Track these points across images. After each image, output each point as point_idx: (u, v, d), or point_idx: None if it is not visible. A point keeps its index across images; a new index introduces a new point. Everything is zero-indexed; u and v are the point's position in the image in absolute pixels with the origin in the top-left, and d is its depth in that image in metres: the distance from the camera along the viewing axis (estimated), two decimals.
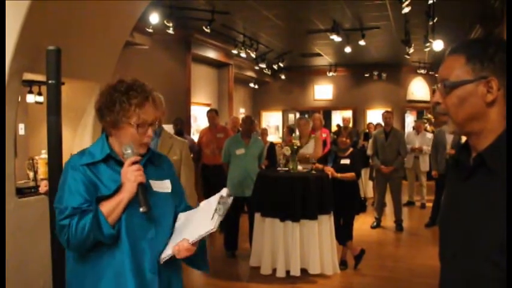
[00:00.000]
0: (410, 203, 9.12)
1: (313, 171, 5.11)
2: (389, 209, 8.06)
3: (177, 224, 1.83)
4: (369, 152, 7.39)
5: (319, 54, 11.89)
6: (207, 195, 6.72)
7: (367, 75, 13.47)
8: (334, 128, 12.05)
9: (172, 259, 1.73)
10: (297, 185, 4.78)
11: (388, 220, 7.57)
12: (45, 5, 3.11)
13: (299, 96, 14.55)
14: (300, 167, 5.26)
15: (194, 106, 9.76)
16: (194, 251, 1.72)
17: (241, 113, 12.82)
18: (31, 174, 3.97)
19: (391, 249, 6.36)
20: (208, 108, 8.01)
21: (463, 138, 1.31)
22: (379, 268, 5.31)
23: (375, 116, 12.60)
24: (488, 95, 1.12)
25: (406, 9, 6.48)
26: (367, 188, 9.29)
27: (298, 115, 13.69)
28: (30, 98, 4.53)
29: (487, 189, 1.09)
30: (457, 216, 1.19)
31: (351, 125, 12.27)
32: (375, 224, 7.23)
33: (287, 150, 5.24)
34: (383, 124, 7.29)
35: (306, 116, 11.01)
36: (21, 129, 4.53)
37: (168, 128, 6.03)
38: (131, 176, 1.67)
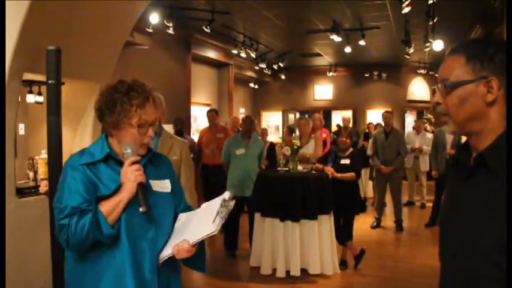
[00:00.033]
0: (410, 203, 9.12)
1: (313, 171, 5.11)
2: (389, 209, 8.06)
3: (177, 225, 1.83)
4: (369, 152, 7.39)
5: (319, 54, 11.90)
6: (207, 195, 6.74)
7: (367, 75, 13.47)
8: (334, 128, 12.06)
9: (171, 259, 1.73)
10: (297, 185, 4.78)
11: (388, 220, 7.57)
12: (45, 5, 3.11)
13: (299, 96, 14.55)
14: (300, 167, 5.26)
15: (194, 106, 9.76)
16: (194, 252, 1.72)
17: (241, 113, 12.82)
18: (31, 174, 3.97)
19: (391, 249, 6.36)
20: (208, 108, 8.01)
21: (463, 138, 1.31)
22: (379, 268, 5.31)
23: (375, 116, 12.60)
24: (489, 95, 1.12)
25: (406, 9, 6.48)
26: (367, 188, 9.29)
27: (298, 115, 13.69)
28: (30, 98, 4.53)
29: (487, 189, 1.09)
30: (457, 216, 1.19)
31: (351, 125, 12.27)
32: (374, 224, 7.23)
33: (287, 150, 5.24)
34: (383, 124, 7.29)
35: (306, 116, 11.01)
36: (21, 129, 4.53)
37: (168, 128, 6.03)
38: (131, 175, 1.67)
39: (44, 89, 4.07)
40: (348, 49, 9.65)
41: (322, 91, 14.37)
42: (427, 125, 10.75)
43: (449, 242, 1.22)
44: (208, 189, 6.87)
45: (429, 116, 11.83)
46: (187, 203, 2.00)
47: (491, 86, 1.12)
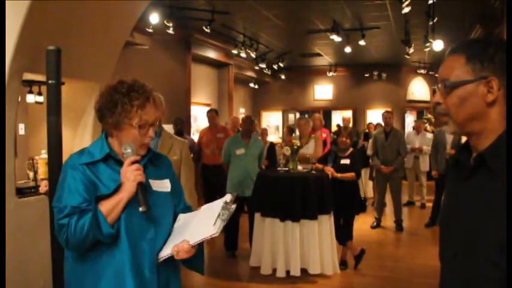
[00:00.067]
0: (410, 203, 9.12)
1: (313, 171, 5.11)
2: (389, 209, 8.06)
3: (177, 225, 1.83)
4: (369, 152, 7.39)
5: (319, 54, 11.90)
6: (207, 195, 6.73)
7: (367, 75, 13.47)
8: (334, 128, 12.06)
9: (171, 259, 1.73)
10: (297, 185, 4.78)
11: (388, 220, 7.57)
12: (45, 5, 3.11)
13: (299, 96, 14.55)
14: (300, 167, 5.26)
15: (194, 106, 9.76)
16: (193, 253, 1.72)
17: (241, 113, 12.82)
18: (31, 174, 3.97)
19: (391, 249, 6.36)
20: (208, 108, 8.02)
21: (463, 138, 1.31)
22: (379, 268, 5.31)
23: (375, 116, 12.60)
24: (489, 95, 1.12)
25: (406, 9, 6.48)
26: (367, 188, 9.29)
27: (298, 115, 13.69)
28: (30, 98, 4.53)
29: (488, 189, 1.09)
30: (457, 216, 1.19)
31: (351, 125, 12.27)
32: (374, 224, 7.23)
33: (287, 150, 5.24)
34: (383, 124, 7.29)
35: (306, 116, 11.01)
36: (21, 129, 4.53)
37: (168, 128, 6.03)
38: (131, 175, 1.67)
39: (44, 89, 4.07)
40: (348, 49, 9.65)
41: (322, 91, 14.37)
42: (427, 125, 10.75)
43: (450, 242, 1.22)
44: (208, 189, 6.88)
45: (429, 116, 11.83)
46: (187, 203, 2.00)
47: (492, 86, 1.12)
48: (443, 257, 1.26)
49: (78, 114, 4.06)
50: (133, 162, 1.70)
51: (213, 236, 1.65)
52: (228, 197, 1.71)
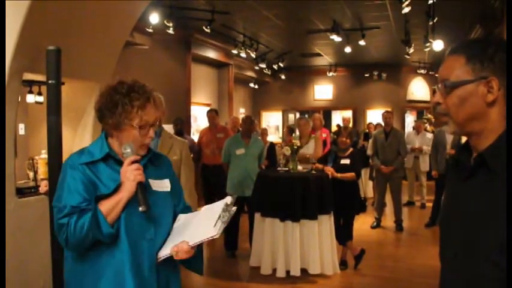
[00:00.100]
0: (410, 203, 9.12)
1: (313, 171, 5.11)
2: (389, 209, 8.06)
3: (176, 225, 1.83)
4: (369, 152, 7.39)
5: (319, 54, 11.89)
6: (207, 195, 6.73)
7: (367, 75, 13.47)
8: (334, 128, 12.05)
9: (170, 259, 1.73)
10: (297, 185, 4.78)
11: (388, 220, 7.57)
12: (45, 5, 3.11)
13: (299, 96, 14.55)
14: (300, 167, 5.26)
15: (194, 106, 9.76)
16: (193, 254, 1.72)
17: (241, 113, 12.82)
18: (31, 174, 3.97)
19: (391, 249, 6.36)
20: (208, 108, 8.02)
21: (463, 139, 1.31)
22: (379, 268, 5.31)
23: (375, 116, 12.60)
24: (489, 95, 1.12)
25: (406, 9, 6.48)
26: (367, 188, 9.29)
27: (298, 115, 13.69)
28: (30, 98, 4.53)
29: (488, 190, 1.09)
30: (457, 216, 1.19)
31: (351, 125, 12.27)
32: (374, 224, 7.23)
33: (287, 150, 5.24)
34: (383, 124, 7.29)
35: (306, 116, 11.01)
36: (21, 129, 4.53)
37: (168, 128, 6.04)
38: (130, 175, 1.67)
39: (44, 89, 4.07)
40: (348, 49, 9.65)
41: (322, 91, 14.37)
42: (427, 125, 10.75)
43: (450, 242, 1.22)
44: (208, 189, 6.88)
45: (429, 116, 11.83)
46: (187, 203, 2.00)
47: (492, 86, 1.12)
48: (444, 257, 1.26)
49: (78, 114, 4.06)
50: (133, 162, 1.70)
51: (213, 237, 1.65)
52: (228, 199, 1.71)
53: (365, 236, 6.45)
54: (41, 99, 4.49)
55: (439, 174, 6.93)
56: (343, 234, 5.11)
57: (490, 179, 1.09)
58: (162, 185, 1.84)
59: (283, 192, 4.79)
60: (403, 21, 7.87)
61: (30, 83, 4.24)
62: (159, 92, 1.94)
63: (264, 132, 8.78)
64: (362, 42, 8.92)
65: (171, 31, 7.31)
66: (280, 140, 10.67)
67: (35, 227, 3.32)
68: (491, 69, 1.12)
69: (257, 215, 5.10)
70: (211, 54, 10.10)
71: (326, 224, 4.89)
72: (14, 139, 3.27)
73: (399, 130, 7.82)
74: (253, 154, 5.69)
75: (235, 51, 9.81)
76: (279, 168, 5.35)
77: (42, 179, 3.68)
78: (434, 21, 7.03)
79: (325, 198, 4.85)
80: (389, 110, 8.98)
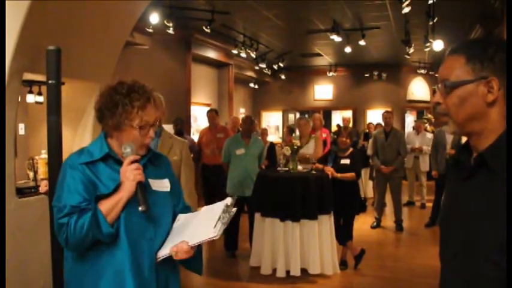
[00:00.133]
0: (410, 203, 9.12)
1: (313, 171, 5.11)
2: (389, 209, 8.06)
3: (176, 225, 1.83)
4: (369, 152, 7.39)
5: (319, 54, 11.89)
6: (207, 195, 6.72)
7: (367, 75, 13.47)
8: (334, 128, 12.05)
9: (170, 258, 1.73)
10: (297, 185, 4.78)
11: (388, 220, 7.57)
12: (45, 5, 3.11)
13: (299, 96, 14.55)
14: (300, 167, 5.26)
15: (194, 106, 9.76)
16: (192, 254, 1.72)
17: (241, 113, 12.82)
18: (31, 174, 3.97)
19: (391, 249, 6.36)
20: (208, 108, 8.01)
21: (463, 139, 1.31)
22: (379, 268, 5.31)
23: (375, 116, 12.60)
24: (489, 95, 1.12)
25: (406, 9, 6.48)
26: (367, 188, 9.29)
27: (298, 115, 13.69)
28: (30, 98, 4.53)
29: (488, 190, 1.09)
30: (457, 216, 1.19)
31: (351, 125, 12.27)
32: (375, 224, 7.23)
33: (287, 150, 5.24)
34: (383, 124, 7.29)
35: (306, 116, 11.02)
36: (21, 129, 4.53)
37: (168, 128, 6.04)
38: (130, 174, 1.67)
39: (44, 89, 4.07)
40: (348, 49, 9.65)
41: (322, 91, 14.37)
42: (427, 125, 10.75)
43: (450, 242, 1.22)
44: (208, 189, 6.88)
45: (429, 116, 11.83)
46: (186, 203, 2.00)
47: (492, 86, 1.12)
48: (444, 257, 1.26)
49: (78, 114, 4.06)
50: (132, 162, 1.70)
51: (213, 238, 1.65)
52: (228, 200, 1.71)
53: (365, 236, 6.45)
54: (41, 99, 4.49)
55: (439, 174, 6.93)
56: (343, 234, 5.11)
57: (490, 179, 1.09)
58: (162, 185, 1.84)
59: (283, 192, 4.79)
60: (403, 21, 7.87)
61: (30, 83, 4.24)
62: (159, 92, 1.94)
63: (264, 132, 8.78)
64: (362, 42, 8.92)
65: (171, 31, 7.31)
66: (280, 140, 10.67)
67: (35, 227, 3.32)
68: (491, 69, 1.12)
69: (257, 215, 5.10)
70: (211, 54, 10.10)
71: (326, 224, 4.89)
72: (14, 139, 3.27)
73: (399, 130, 7.83)
74: (253, 154, 5.69)
75: (235, 51, 9.81)
76: (279, 168, 5.35)
77: (42, 179, 3.68)
78: (434, 21, 7.03)
79: (325, 198, 4.85)
80: (389, 110, 8.99)
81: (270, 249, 4.88)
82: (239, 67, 11.79)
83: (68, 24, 3.45)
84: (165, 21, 7.12)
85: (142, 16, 5.35)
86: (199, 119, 10.06)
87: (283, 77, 13.74)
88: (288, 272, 4.76)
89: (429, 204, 8.02)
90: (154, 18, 6.89)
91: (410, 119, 13.56)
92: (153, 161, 1.87)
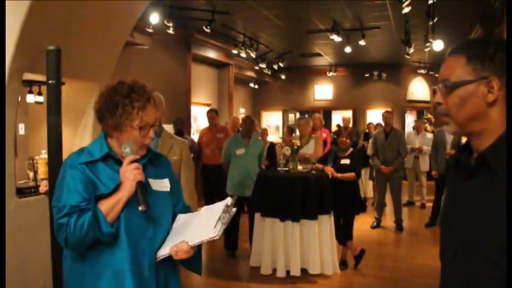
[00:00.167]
0: (410, 203, 9.12)
1: (313, 171, 5.11)
2: (389, 209, 8.06)
3: (175, 225, 1.83)
4: (369, 152, 7.39)
5: (319, 54, 11.89)
6: (207, 195, 6.72)
7: (367, 75, 13.47)
8: (334, 128, 12.05)
9: (169, 258, 1.73)
10: (297, 185, 4.78)
11: (388, 220, 7.57)
12: (45, 5, 3.11)
13: (299, 96, 14.55)
14: (300, 167, 5.26)
15: (194, 106, 9.76)
16: (192, 254, 1.72)
17: (241, 113, 12.82)
18: (31, 174, 3.96)
19: (391, 249, 6.36)
20: (208, 108, 8.01)
21: (463, 139, 1.31)
22: (379, 268, 5.31)
23: (375, 116, 12.60)
24: (489, 95, 1.12)
25: (406, 9, 6.48)
26: (367, 188, 9.29)
27: (298, 115, 13.69)
28: (30, 98, 4.53)
29: (488, 190, 1.09)
30: (457, 216, 1.19)
31: (351, 125, 12.27)
32: (375, 224, 7.23)
33: (287, 150, 5.24)
34: (383, 124, 7.29)
35: (306, 116, 11.02)
36: (21, 129, 4.53)
37: (168, 128, 6.03)
38: (130, 174, 1.67)
39: (44, 89, 4.07)
40: (348, 49, 9.65)
41: (322, 91, 14.37)
42: (427, 125, 10.75)
43: (450, 242, 1.22)
44: (208, 189, 6.88)
45: (429, 116, 11.84)
46: (186, 203, 2.00)
47: (492, 86, 1.12)
48: (444, 257, 1.26)
49: (78, 114, 4.06)
50: (132, 162, 1.70)
51: (213, 238, 1.65)
52: (229, 201, 1.71)
53: (365, 236, 6.45)
54: (41, 99, 4.49)
55: (439, 174, 6.93)
56: (343, 234, 5.11)
57: (491, 179, 1.09)
58: (162, 185, 1.84)
59: (283, 192, 4.79)
60: (403, 21, 7.87)
61: (30, 83, 4.24)
62: (159, 92, 1.94)
63: (264, 132, 8.78)
64: (362, 42, 8.92)
65: (171, 31, 7.31)
66: (280, 140, 10.67)
67: (35, 227, 3.32)
68: (492, 69, 1.12)
69: (257, 215, 5.10)
70: (211, 54, 10.10)
71: (326, 224, 4.89)
72: (14, 139, 3.27)
73: (399, 130, 7.83)
74: (253, 154, 5.69)
75: (235, 51, 9.81)
76: (279, 168, 5.35)
77: (42, 179, 3.68)
78: (434, 21, 7.03)
79: (325, 198, 4.85)
80: (389, 110, 8.98)
81: (270, 249, 4.88)
82: (239, 67, 11.79)
83: (68, 24, 3.45)
84: (165, 21, 7.12)
85: (142, 16, 5.35)
86: (199, 119, 10.06)
87: (283, 77, 13.74)
88: (288, 272, 4.76)
89: (429, 204, 8.02)
90: (154, 18, 6.89)
91: (410, 119, 13.56)
92: (153, 161, 1.87)
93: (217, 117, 7.11)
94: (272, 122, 14.71)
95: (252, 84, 13.53)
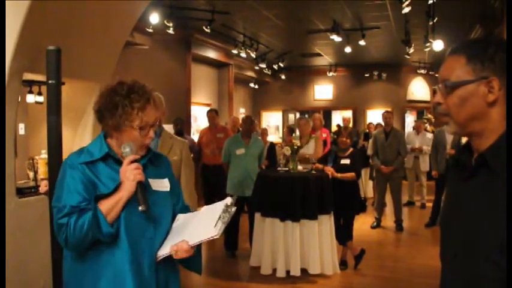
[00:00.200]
0: (410, 203, 9.12)
1: (313, 171, 5.11)
2: (389, 209, 8.06)
3: (175, 225, 1.83)
4: (369, 152, 7.39)
5: (319, 54, 11.89)
6: (207, 195, 6.72)
7: (367, 75, 13.47)
8: (334, 128, 12.05)
9: (170, 258, 1.73)
10: (297, 185, 4.78)
11: (388, 220, 7.57)
12: (45, 5, 3.11)
13: (299, 96, 14.55)
14: (300, 167, 5.26)
15: (194, 106, 9.76)
16: (192, 253, 1.72)
17: (241, 113, 12.82)
18: (31, 174, 3.96)
19: (391, 249, 6.36)
20: (208, 108, 8.01)
21: (463, 139, 1.31)
22: (379, 268, 5.31)
23: (375, 116, 12.60)
24: (490, 95, 1.12)
25: (406, 9, 6.48)
26: (367, 188, 9.29)
27: (298, 115, 13.69)
28: (30, 98, 4.53)
29: (488, 190, 1.09)
30: (458, 216, 1.19)
31: (351, 125, 12.27)
32: (375, 224, 7.23)
33: (287, 150, 5.24)
34: (383, 124, 7.29)
35: (306, 116, 11.02)
36: (21, 129, 4.53)
37: (168, 128, 6.03)
38: (130, 174, 1.67)
39: (44, 89, 4.07)
40: (348, 49, 9.65)
41: (322, 91, 14.37)
42: (427, 125, 10.75)
43: (450, 242, 1.22)
44: (208, 189, 6.88)
45: (429, 116, 11.84)
46: (186, 203, 2.00)
47: (492, 86, 1.12)
48: (444, 257, 1.26)
49: (78, 114, 4.06)
50: (132, 162, 1.70)
51: (214, 238, 1.65)
52: (229, 200, 1.72)
53: (365, 236, 6.45)
54: (41, 99, 4.49)
55: (439, 174, 6.93)
56: (343, 234, 5.11)
57: (491, 179, 1.09)
58: (162, 185, 1.84)
59: (283, 192, 4.79)
60: (403, 21, 7.87)
61: (30, 83, 4.24)
62: (159, 92, 1.94)
63: (264, 132, 8.78)
64: (362, 42, 8.92)
65: (171, 31, 7.31)
66: (280, 140, 10.67)
67: (35, 227, 3.32)
68: (492, 69, 1.12)
69: (257, 215, 5.10)
70: (211, 54, 10.10)
71: (326, 224, 4.89)
72: (14, 139, 3.27)
73: (399, 130, 7.83)
74: (253, 154, 5.69)
75: (235, 51, 9.81)
76: (279, 168, 5.35)
77: (42, 179, 3.68)
78: (434, 21, 7.03)
79: (325, 198, 4.85)
80: (389, 110, 8.99)
81: (270, 249, 4.88)
82: (239, 67, 11.79)
83: (68, 24, 3.45)
84: (165, 21, 7.12)
85: (142, 16, 5.35)
86: (199, 119, 10.06)
87: (283, 77, 13.74)
88: (288, 272, 4.76)
89: (429, 204, 8.02)
90: (154, 18, 6.89)
91: (410, 119, 13.56)
92: (153, 161, 1.87)
93: (217, 117, 7.11)
94: (272, 122, 14.71)
95: (252, 84, 13.53)
